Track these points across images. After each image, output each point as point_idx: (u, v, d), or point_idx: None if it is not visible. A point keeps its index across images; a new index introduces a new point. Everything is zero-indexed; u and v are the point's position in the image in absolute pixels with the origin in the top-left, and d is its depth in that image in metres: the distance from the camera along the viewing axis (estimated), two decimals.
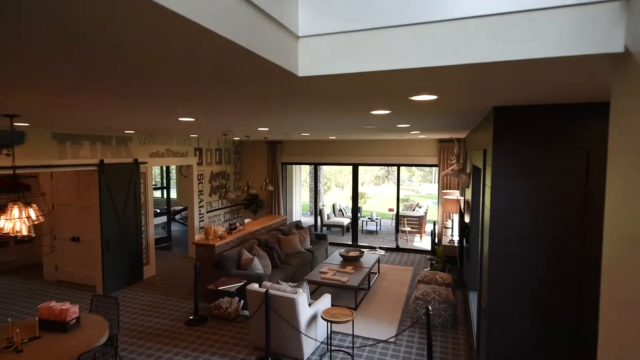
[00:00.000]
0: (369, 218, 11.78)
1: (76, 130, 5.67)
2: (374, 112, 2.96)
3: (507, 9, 1.28)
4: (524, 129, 2.55)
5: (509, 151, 2.59)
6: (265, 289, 4.35)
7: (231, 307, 5.44)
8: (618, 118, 1.23)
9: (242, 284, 5.52)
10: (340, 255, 7.04)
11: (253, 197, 10.12)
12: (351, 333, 5.00)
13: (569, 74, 1.56)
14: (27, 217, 3.27)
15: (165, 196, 11.87)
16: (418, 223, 10.90)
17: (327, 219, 11.55)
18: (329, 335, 4.40)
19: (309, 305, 4.63)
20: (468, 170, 5.78)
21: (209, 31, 1.04)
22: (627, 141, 1.13)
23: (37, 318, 3.57)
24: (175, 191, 13.86)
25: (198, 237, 6.52)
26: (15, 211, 3.20)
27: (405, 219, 10.87)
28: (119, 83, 1.80)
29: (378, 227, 11.81)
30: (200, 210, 8.89)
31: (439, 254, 7.02)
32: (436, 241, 8.22)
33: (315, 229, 10.35)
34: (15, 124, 4.10)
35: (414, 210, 12.35)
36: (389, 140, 9.02)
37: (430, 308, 3.73)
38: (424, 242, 10.27)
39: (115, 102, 2.46)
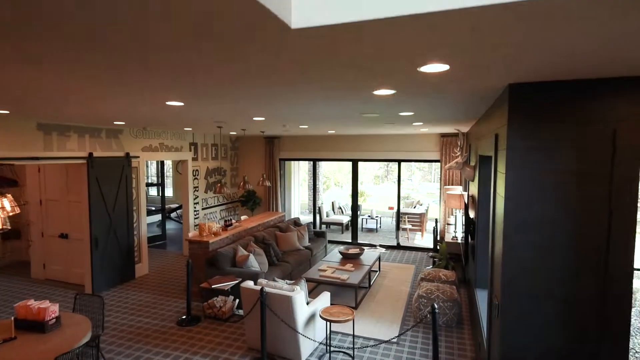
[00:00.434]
0: (369, 216, 11.54)
1: (63, 121, 5.42)
2: (377, 93, 2.72)
3: None
4: (542, 108, 2.30)
5: (525, 132, 2.34)
6: (260, 287, 4.10)
7: (225, 306, 5.19)
8: None
9: (236, 282, 5.27)
10: (340, 252, 6.79)
11: (250, 194, 9.87)
12: (351, 333, 4.75)
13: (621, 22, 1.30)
14: (1, 208, 3.02)
15: (163, 194, 11.62)
16: (419, 221, 10.66)
17: (326, 216, 11.30)
18: (328, 336, 4.15)
19: (307, 304, 4.39)
20: (472, 163, 5.54)
21: None
22: None
23: (12, 318, 3.32)
24: (172, 189, 13.61)
25: (192, 233, 6.27)
26: None
27: (406, 217, 10.63)
28: (91, 49, 1.55)
29: (378, 225, 11.57)
30: (195, 207, 8.64)
31: (442, 251, 6.78)
32: (438, 238, 7.98)
33: (314, 227, 10.10)
34: None
35: (414, 207, 12.10)
36: (390, 135, 8.78)
37: (436, 306, 3.48)
38: (425, 240, 10.02)
39: (93, 81, 2.22)
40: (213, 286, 5.08)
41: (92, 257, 6.05)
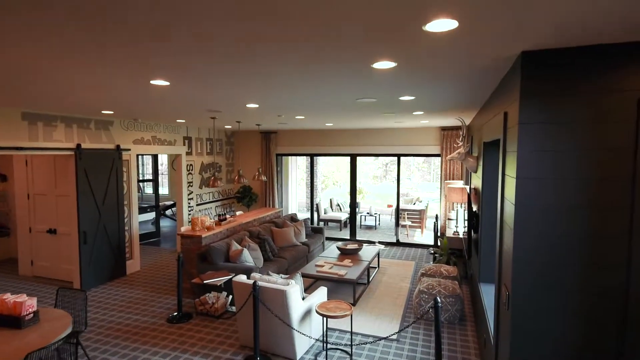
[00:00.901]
0: (368, 213, 11.33)
1: (48, 111, 5.19)
2: (376, 66, 2.51)
3: None
4: (558, 78, 2.10)
5: (539, 106, 2.14)
6: (253, 281, 3.89)
7: (218, 302, 4.97)
8: None
9: (229, 277, 5.05)
10: (338, 248, 6.58)
11: (246, 190, 9.66)
12: (349, 330, 4.54)
13: None
14: None
15: (157, 191, 11.38)
16: (419, 217, 10.45)
17: (324, 213, 11.09)
18: (325, 332, 3.94)
19: (303, 299, 4.17)
20: (475, 154, 5.35)
21: None
22: None
23: None
24: (167, 186, 13.37)
25: (184, 228, 6.05)
26: None
27: (406, 213, 10.42)
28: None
29: (377, 222, 11.36)
30: (189, 203, 8.41)
31: (443, 247, 6.57)
32: (439, 234, 7.77)
33: (312, 223, 9.89)
34: None
35: (414, 204, 11.90)
36: (389, 129, 8.58)
37: (439, 300, 3.27)
38: (425, 237, 9.82)
39: (72, 58, 2.00)
40: (205, 282, 4.86)
41: (80, 253, 5.82)
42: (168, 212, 11.88)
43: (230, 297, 5.18)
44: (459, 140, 5.43)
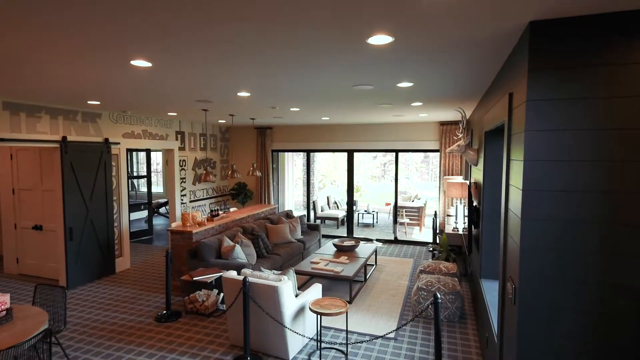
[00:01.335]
0: (365, 210, 11.14)
1: (32, 101, 4.98)
2: (371, 41, 2.32)
3: None
4: (570, 49, 1.91)
5: (549, 82, 1.95)
6: (243, 277, 3.69)
7: (208, 300, 4.77)
8: None
9: (220, 274, 4.85)
10: (334, 245, 6.38)
11: (241, 187, 9.46)
12: (345, 328, 4.35)
13: None
14: None
15: (153, 187, 11.15)
16: (417, 215, 10.27)
17: (321, 211, 10.89)
18: (319, 331, 3.74)
19: (296, 296, 3.98)
20: (476, 147, 5.17)
21: None
22: None
23: None
24: (162, 184, 13.15)
25: (175, 224, 5.84)
26: None
27: (404, 210, 10.24)
28: None
29: (375, 220, 11.17)
30: (182, 200, 8.21)
31: (443, 243, 6.39)
32: (438, 230, 7.59)
33: (308, 220, 9.69)
34: None
35: (412, 201, 11.72)
36: (387, 124, 8.39)
37: (439, 295, 3.08)
38: (423, 235, 9.63)
39: (50, 38, 1.81)
40: (194, 278, 4.66)
41: (66, 249, 5.61)
42: (162, 209, 11.66)
43: (222, 295, 4.98)
44: (459, 132, 5.25)
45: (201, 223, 5.79)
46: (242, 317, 3.76)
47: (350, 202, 9.11)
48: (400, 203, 10.35)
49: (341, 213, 10.66)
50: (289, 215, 7.80)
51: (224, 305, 4.98)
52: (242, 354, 3.81)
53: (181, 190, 8.16)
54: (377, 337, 3.35)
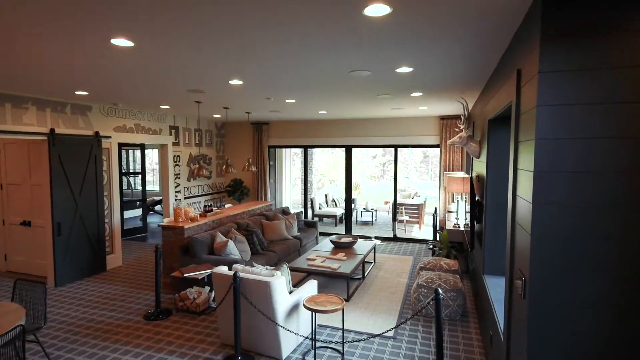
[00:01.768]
0: (364, 208, 10.95)
1: (18, 91, 4.79)
2: (367, 12, 2.14)
3: None
4: (584, 16, 1.73)
5: (563, 52, 1.77)
6: (233, 272, 3.50)
7: (200, 298, 4.58)
8: None
9: (212, 270, 4.65)
10: (332, 241, 6.20)
11: (237, 184, 9.27)
12: (341, 327, 4.16)
13: None
14: None
15: (150, 185, 10.98)
16: (417, 212, 10.09)
17: (319, 209, 10.70)
18: (314, 329, 3.55)
19: (290, 292, 3.79)
20: (478, 139, 4.99)
21: None
22: None
23: None
24: (159, 183, 12.95)
25: (167, 219, 5.65)
26: None
27: (403, 208, 10.05)
28: None
29: (373, 218, 10.99)
30: (177, 196, 8.02)
31: (443, 240, 6.20)
32: (438, 227, 7.40)
33: (305, 218, 9.50)
34: None
35: (412, 198, 11.53)
36: (386, 119, 8.21)
37: (441, 291, 2.90)
38: (423, 232, 9.45)
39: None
40: (185, 275, 4.47)
41: (54, 245, 5.42)
42: (157, 207, 11.47)
43: (214, 292, 4.78)
44: (461, 124, 5.06)
45: (194, 219, 5.60)
46: (233, 315, 3.57)
47: (349, 199, 8.92)
48: (399, 200, 10.17)
49: (339, 211, 10.47)
50: (285, 211, 7.61)
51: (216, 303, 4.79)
52: (233, 353, 3.63)
53: (175, 187, 7.97)
54: (375, 336, 3.16)
